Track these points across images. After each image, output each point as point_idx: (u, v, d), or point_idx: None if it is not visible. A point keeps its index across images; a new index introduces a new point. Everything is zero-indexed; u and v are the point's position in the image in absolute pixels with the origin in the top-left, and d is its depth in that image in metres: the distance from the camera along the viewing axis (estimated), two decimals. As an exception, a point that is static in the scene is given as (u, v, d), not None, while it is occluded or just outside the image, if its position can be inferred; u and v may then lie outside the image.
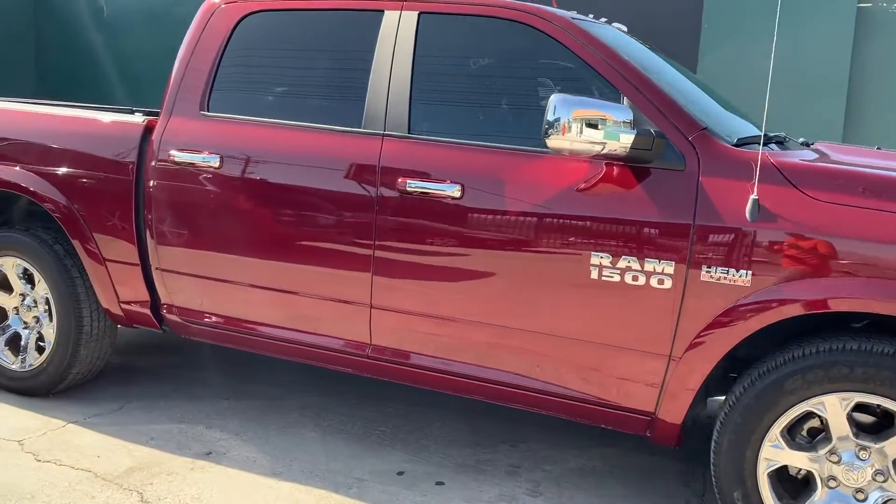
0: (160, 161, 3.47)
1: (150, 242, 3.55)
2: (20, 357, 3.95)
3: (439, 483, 3.30)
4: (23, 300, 3.95)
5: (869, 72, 6.49)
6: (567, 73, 2.99)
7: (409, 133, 3.11)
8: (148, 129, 3.57)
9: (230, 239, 3.37)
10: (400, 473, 3.37)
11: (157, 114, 3.62)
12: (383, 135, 3.13)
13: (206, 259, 3.44)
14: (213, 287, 3.47)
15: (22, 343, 3.96)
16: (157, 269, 3.58)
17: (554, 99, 2.62)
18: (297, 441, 3.62)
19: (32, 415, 3.76)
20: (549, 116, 2.61)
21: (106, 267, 3.68)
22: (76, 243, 3.69)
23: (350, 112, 3.23)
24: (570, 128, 2.59)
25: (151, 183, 3.49)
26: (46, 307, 3.89)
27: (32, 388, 3.92)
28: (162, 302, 3.65)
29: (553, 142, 2.64)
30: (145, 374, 4.35)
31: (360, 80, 3.23)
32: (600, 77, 2.89)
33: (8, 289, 4.04)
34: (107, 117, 3.76)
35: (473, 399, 3.21)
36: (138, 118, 3.64)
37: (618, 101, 2.79)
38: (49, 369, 3.85)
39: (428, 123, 3.13)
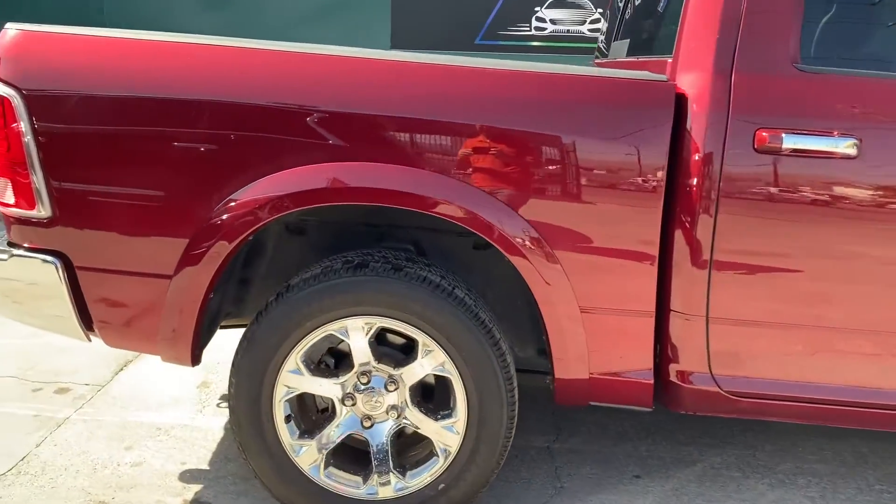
0: (733, 149, 2.08)
1: (688, 278, 2.17)
2: (374, 474, 2.36)
3: None
4: (366, 383, 2.34)
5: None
6: None
7: None
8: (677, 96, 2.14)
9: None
10: None
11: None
12: None
13: (821, 303, 2.16)
14: (818, 340, 2.21)
15: (376, 452, 2.36)
16: (688, 317, 2.22)
17: None
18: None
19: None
20: None
21: (582, 319, 2.22)
22: (536, 286, 2.19)
23: None
24: None
25: (699, 182, 2.10)
26: (411, 392, 2.34)
27: (409, 524, 2.38)
28: (682, 369, 2.29)
29: None
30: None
31: None
32: None
33: (327, 369, 2.40)
34: (587, 75, 2.21)
35: None
36: (659, 77, 2.16)
37: None
38: (455, 493, 2.33)
39: None
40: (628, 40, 2.98)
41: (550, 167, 2.13)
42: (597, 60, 3.81)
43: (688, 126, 2.11)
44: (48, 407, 3.15)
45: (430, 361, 2.28)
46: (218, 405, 3.24)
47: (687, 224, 2.13)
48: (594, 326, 2.23)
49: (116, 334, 2.37)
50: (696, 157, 2.10)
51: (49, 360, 3.58)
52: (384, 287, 2.21)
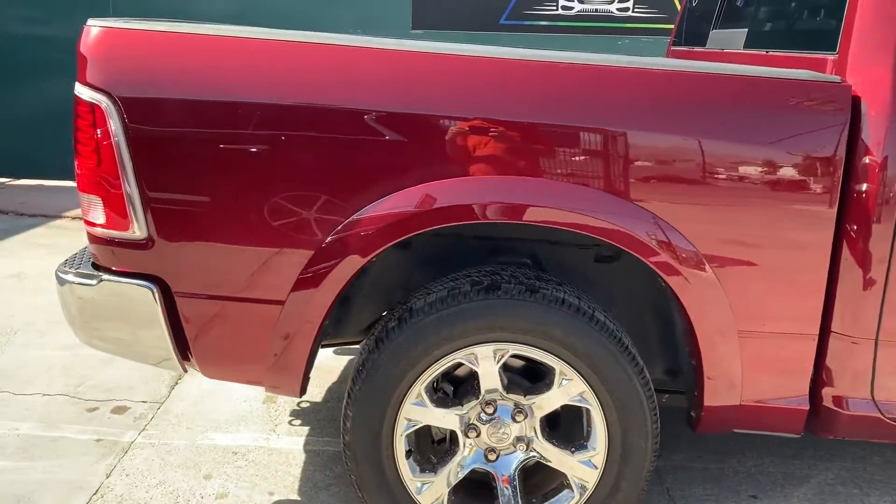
0: (919, 155, 1.89)
1: (857, 297, 1.99)
2: (502, 513, 2.17)
3: None
4: (491, 413, 2.13)
5: None
6: None
7: None
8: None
9: None
10: None
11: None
12: None
13: None
14: None
15: (503, 487, 2.16)
16: (855, 339, 2.03)
17: None
18: None
19: None
20: None
21: (739, 341, 2.03)
22: (691, 305, 1.99)
23: None
24: None
25: (876, 190, 1.91)
26: (541, 423, 2.14)
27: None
28: (839, 394, 2.11)
29: None
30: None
31: None
32: None
33: (447, 398, 2.18)
34: (754, 75, 1.99)
35: None
36: (832, 78, 1.95)
37: None
38: (593, 532, 2.15)
39: None
40: (745, 30, 2.76)
41: (709, 174, 1.93)
42: (674, 48, 3.59)
43: (862, 130, 1.91)
44: (109, 430, 2.92)
45: (569, 391, 2.08)
46: (290, 423, 3.02)
47: (860, 237, 1.94)
48: (751, 349, 2.04)
49: (216, 365, 2.14)
50: (874, 164, 1.90)
51: (96, 374, 3.34)
52: (520, 311, 2.00)
